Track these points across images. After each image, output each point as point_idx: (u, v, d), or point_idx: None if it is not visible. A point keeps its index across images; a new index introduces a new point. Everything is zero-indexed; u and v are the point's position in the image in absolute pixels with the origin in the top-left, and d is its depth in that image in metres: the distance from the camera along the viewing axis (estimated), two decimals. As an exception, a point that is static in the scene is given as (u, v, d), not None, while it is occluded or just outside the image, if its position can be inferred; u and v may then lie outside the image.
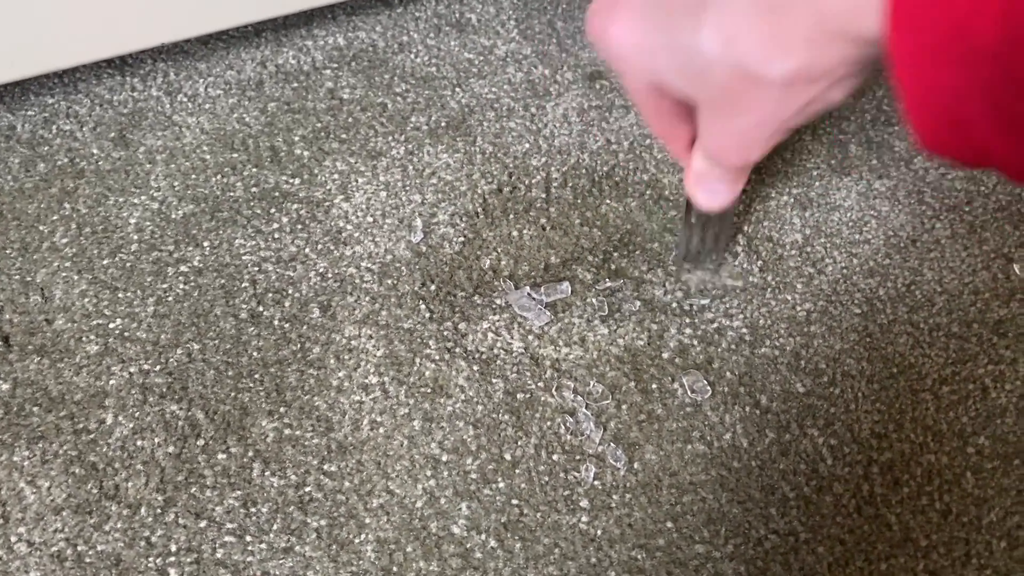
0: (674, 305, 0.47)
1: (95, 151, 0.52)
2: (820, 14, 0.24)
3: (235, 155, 0.52)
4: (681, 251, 0.48)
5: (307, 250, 0.48)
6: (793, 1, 0.24)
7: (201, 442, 0.41)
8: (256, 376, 0.44)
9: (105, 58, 0.54)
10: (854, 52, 0.25)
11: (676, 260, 0.48)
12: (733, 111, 0.29)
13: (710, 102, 0.29)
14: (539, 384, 0.44)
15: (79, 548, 0.38)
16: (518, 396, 0.43)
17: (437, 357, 0.44)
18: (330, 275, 0.47)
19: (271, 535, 0.39)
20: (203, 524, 0.39)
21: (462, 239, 0.49)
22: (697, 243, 0.46)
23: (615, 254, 0.48)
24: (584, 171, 0.52)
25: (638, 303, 0.46)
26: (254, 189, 0.51)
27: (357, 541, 0.39)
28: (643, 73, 0.31)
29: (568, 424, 0.43)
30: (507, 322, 0.46)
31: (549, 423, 0.43)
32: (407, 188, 0.51)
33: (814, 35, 0.24)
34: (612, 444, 0.42)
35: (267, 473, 0.41)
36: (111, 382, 0.43)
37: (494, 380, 0.44)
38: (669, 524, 0.40)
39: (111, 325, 0.45)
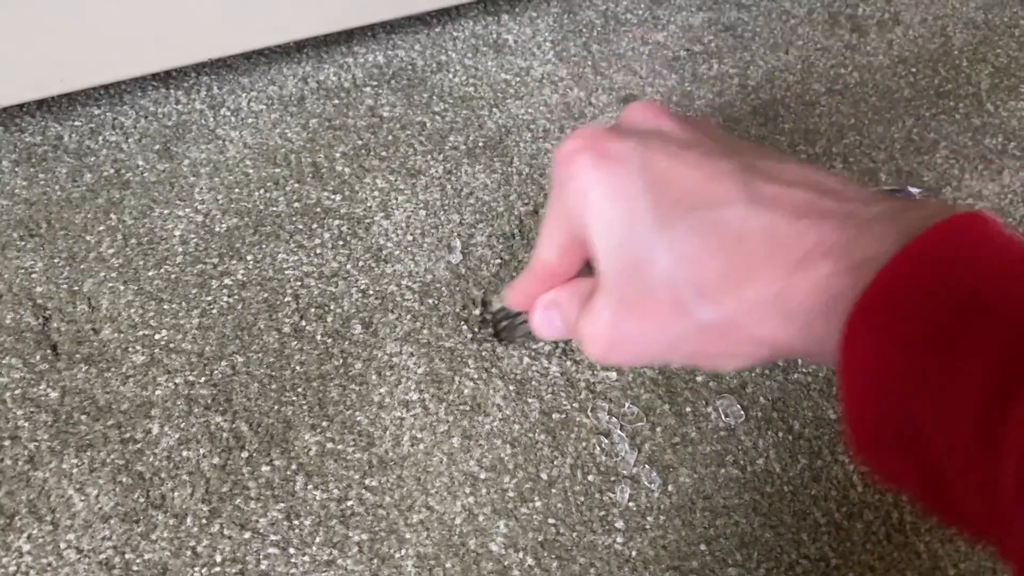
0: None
1: (140, 162, 0.54)
2: (786, 298, 0.24)
3: (277, 170, 0.53)
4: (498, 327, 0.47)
5: (348, 266, 0.49)
6: (772, 260, 0.24)
7: (245, 454, 0.42)
8: (299, 390, 0.45)
9: (150, 72, 0.55)
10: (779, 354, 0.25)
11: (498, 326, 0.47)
12: (639, 314, 0.26)
13: (625, 291, 0.27)
14: (574, 405, 0.45)
15: (127, 556, 0.39)
16: (554, 416, 0.44)
17: (476, 376, 0.45)
18: (371, 292, 0.48)
19: (314, 548, 0.40)
20: (247, 535, 0.40)
21: (499, 260, 0.50)
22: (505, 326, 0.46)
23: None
24: (619, 194, 0.53)
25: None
26: (296, 204, 0.52)
27: (398, 556, 0.40)
28: (577, 220, 0.27)
29: (603, 445, 0.44)
30: (543, 343, 0.46)
31: (584, 443, 0.44)
32: (446, 207, 0.52)
33: (759, 311, 0.24)
34: (647, 466, 0.43)
35: (310, 486, 0.42)
36: (157, 392, 0.44)
37: (530, 400, 0.45)
38: (703, 547, 0.41)
39: (157, 336, 0.46)
